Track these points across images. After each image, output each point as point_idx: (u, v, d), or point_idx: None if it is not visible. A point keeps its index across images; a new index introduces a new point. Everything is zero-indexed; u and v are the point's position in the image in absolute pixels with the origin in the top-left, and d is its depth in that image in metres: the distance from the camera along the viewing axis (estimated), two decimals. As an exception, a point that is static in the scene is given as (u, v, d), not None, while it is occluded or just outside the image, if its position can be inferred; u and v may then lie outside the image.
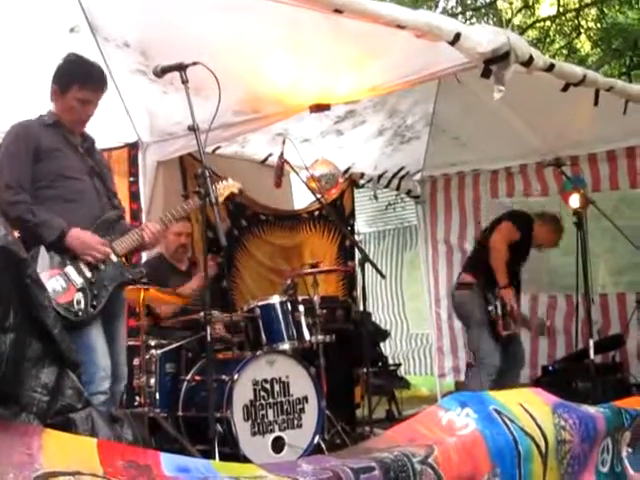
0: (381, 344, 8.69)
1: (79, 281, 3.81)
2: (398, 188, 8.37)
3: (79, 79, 3.96)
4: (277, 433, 4.85)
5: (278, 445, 4.83)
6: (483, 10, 14.80)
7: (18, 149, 3.92)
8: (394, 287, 11.90)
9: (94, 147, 4.23)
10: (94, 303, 3.81)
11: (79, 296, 3.77)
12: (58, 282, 3.75)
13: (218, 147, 6.49)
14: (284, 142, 5.52)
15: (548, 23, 14.41)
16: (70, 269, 3.81)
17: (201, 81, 3.67)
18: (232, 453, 4.55)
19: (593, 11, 14.20)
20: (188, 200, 4.23)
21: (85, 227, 3.89)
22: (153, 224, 4.11)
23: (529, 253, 6.15)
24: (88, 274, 3.85)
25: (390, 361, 9.25)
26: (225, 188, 4.51)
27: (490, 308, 5.68)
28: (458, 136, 7.24)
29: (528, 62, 4.32)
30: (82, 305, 3.76)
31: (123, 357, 4.13)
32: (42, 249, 3.79)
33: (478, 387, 5.42)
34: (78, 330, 3.72)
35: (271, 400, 4.87)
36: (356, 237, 9.65)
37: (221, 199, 4.46)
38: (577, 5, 14.02)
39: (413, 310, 11.30)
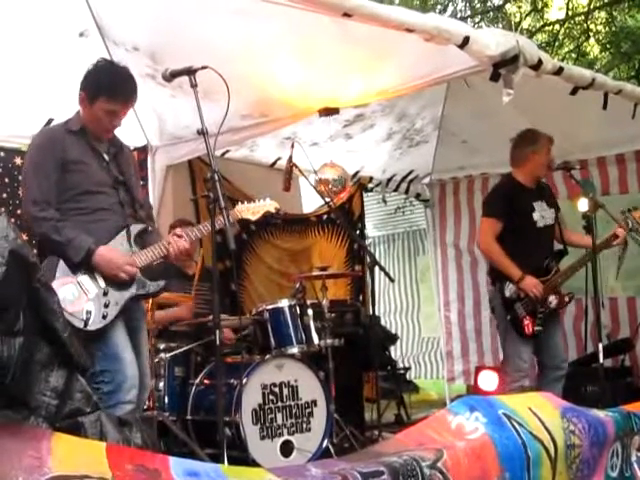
0: (391, 348, 8.69)
1: (92, 290, 3.72)
2: (407, 192, 8.36)
3: (107, 91, 3.81)
4: (286, 437, 4.85)
5: (287, 449, 4.83)
6: (492, 13, 14.80)
7: (43, 161, 3.78)
8: (404, 290, 11.91)
9: (122, 151, 4.10)
10: (105, 314, 3.71)
11: (89, 306, 3.68)
12: (69, 290, 3.66)
13: (227, 151, 6.51)
14: (293, 146, 5.52)
15: (557, 27, 14.39)
16: (84, 278, 3.72)
17: (210, 85, 3.67)
18: (241, 457, 4.55)
19: (602, 14, 14.17)
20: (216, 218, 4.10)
21: (108, 240, 3.81)
22: (182, 242, 3.97)
23: (545, 196, 5.59)
24: (102, 284, 3.76)
25: (400, 365, 9.25)
26: (261, 207, 4.47)
27: (516, 306, 5.30)
28: (467, 140, 7.23)
29: (537, 65, 4.32)
30: (92, 315, 3.67)
31: (148, 368, 4.10)
32: None
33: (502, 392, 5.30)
34: (98, 340, 3.67)
35: (280, 404, 4.87)
36: (365, 241, 9.66)
37: (257, 217, 4.46)
38: (586, 9, 13.99)
39: (425, 314, 11.30)
